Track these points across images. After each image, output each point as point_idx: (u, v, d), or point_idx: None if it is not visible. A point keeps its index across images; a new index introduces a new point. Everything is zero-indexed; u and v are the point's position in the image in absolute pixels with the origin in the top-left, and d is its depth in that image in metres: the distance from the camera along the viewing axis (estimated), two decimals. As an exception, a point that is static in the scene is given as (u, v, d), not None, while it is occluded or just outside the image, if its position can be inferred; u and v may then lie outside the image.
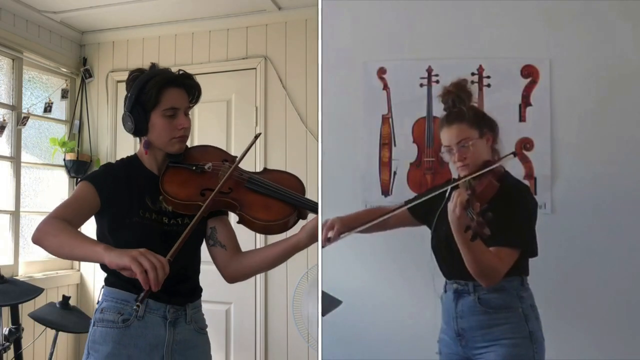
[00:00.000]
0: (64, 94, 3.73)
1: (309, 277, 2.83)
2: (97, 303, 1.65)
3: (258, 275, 3.18)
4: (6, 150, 3.32)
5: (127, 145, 3.38)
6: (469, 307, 1.73)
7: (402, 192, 2.48)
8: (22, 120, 3.35)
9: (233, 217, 1.70)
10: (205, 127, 3.44)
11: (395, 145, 2.55)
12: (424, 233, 1.88)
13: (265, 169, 1.81)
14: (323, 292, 1.94)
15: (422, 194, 1.88)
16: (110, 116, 3.69)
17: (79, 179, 1.63)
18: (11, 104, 3.35)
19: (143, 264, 1.36)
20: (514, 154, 1.79)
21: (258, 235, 2.75)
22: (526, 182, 2.40)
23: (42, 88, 3.66)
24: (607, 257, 2.38)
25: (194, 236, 1.67)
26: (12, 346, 2.61)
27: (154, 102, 1.60)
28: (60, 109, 3.74)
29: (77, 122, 3.72)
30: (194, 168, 1.66)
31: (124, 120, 1.65)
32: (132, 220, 1.58)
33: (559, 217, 2.42)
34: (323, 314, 1.92)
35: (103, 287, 1.64)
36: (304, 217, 1.70)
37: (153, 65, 1.71)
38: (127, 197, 1.60)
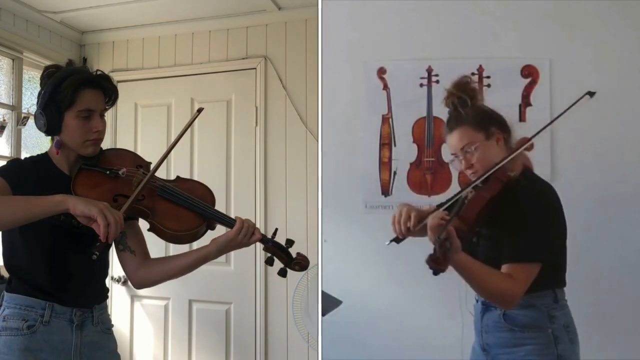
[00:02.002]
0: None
1: (309, 277, 2.83)
2: None
3: (258, 275, 3.18)
4: (6, 150, 3.32)
5: (128, 146, 3.38)
6: (494, 323, 1.61)
7: (402, 192, 2.48)
8: (22, 120, 3.34)
9: (143, 224, 1.68)
10: (205, 127, 3.43)
11: (395, 145, 2.55)
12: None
13: (178, 177, 1.78)
14: (323, 292, 1.94)
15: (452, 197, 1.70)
16: (110, 116, 3.69)
17: None
18: (11, 104, 3.35)
19: (108, 217, 1.39)
20: (528, 145, 1.59)
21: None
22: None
23: (42, 88, 3.66)
24: (607, 256, 2.38)
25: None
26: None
27: (69, 102, 1.55)
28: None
29: (77, 122, 3.72)
30: (107, 172, 1.62)
31: (36, 118, 1.60)
32: (43, 220, 1.46)
33: (559, 217, 2.41)
34: (323, 314, 1.92)
35: (3, 293, 1.59)
36: (213, 228, 1.70)
37: (70, 62, 1.67)
38: (37, 195, 1.49)
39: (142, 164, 1.71)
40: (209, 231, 1.71)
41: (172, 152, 3.66)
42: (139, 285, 1.74)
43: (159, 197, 1.64)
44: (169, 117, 3.50)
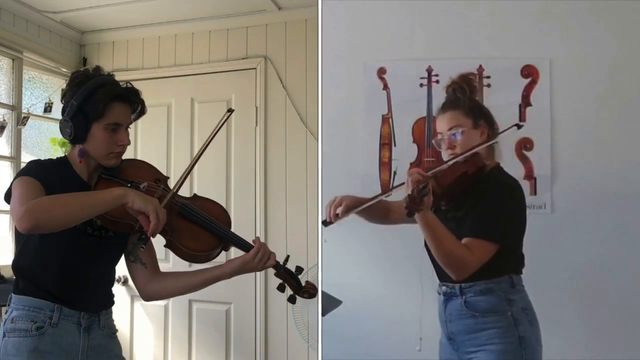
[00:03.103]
0: (64, 94, 3.72)
1: (309, 277, 2.83)
2: (6, 313, 1.59)
3: (258, 276, 3.18)
4: (6, 150, 3.32)
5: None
6: (457, 311, 1.69)
7: (402, 192, 2.48)
8: (22, 120, 3.34)
9: (159, 239, 1.66)
10: (205, 127, 3.43)
11: (395, 145, 2.55)
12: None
13: (195, 195, 1.77)
14: (323, 292, 1.94)
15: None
16: (110, 116, 3.69)
17: (13, 178, 1.56)
18: (11, 104, 3.35)
19: (159, 215, 1.44)
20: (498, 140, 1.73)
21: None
22: (525, 182, 2.40)
23: (42, 88, 3.66)
24: (606, 256, 2.38)
25: (114, 249, 1.68)
26: (12, 346, 2.61)
27: (99, 115, 1.55)
28: (60, 109, 3.73)
29: (77, 122, 3.71)
30: (128, 185, 1.58)
31: (63, 125, 1.59)
32: None
33: (559, 217, 2.42)
34: (323, 314, 1.93)
35: (11, 295, 1.59)
36: (227, 250, 1.71)
37: (97, 69, 1.65)
38: None
39: (160, 179, 1.70)
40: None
41: (172, 152, 3.68)
42: (148, 299, 1.75)
43: (178, 214, 1.64)
44: (169, 117, 3.50)
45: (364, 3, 2.58)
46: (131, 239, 1.70)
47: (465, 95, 1.73)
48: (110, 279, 1.72)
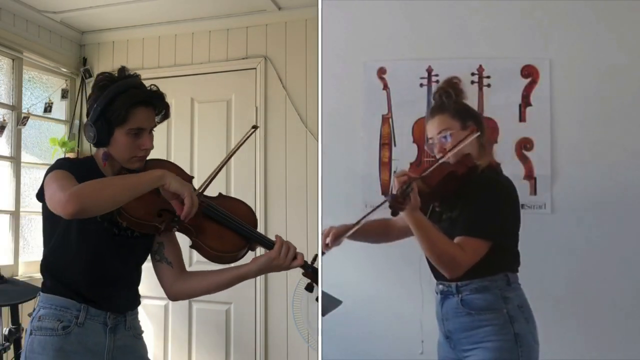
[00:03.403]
0: (64, 94, 3.72)
1: (309, 277, 2.83)
2: (33, 310, 1.60)
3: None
4: (6, 150, 3.32)
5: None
6: (453, 309, 1.70)
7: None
8: (22, 120, 3.34)
9: (184, 239, 1.67)
10: (205, 127, 3.44)
11: (395, 145, 2.55)
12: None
13: (220, 195, 1.76)
14: (323, 292, 1.94)
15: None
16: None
17: (45, 173, 1.56)
18: (11, 104, 3.35)
19: (193, 199, 1.48)
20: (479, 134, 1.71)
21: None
22: (525, 182, 2.40)
23: (42, 88, 3.66)
24: (606, 256, 2.38)
25: (140, 249, 1.68)
26: (12, 346, 2.61)
27: (121, 120, 1.55)
28: (60, 109, 3.73)
29: (77, 122, 3.71)
30: None
31: (86, 129, 1.59)
32: (87, 224, 1.52)
33: (559, 217, 2.42)
34: (323, 314, 1.92)
35: (39, 293, 1.59)
36: (253, 250, 1.71)
37: (122, 70, 1.65)
38: None
39: (185, 179, 1.65)
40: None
41: (172, 152, 3.68)
42: (175, 298, 1.75)
43: (204, 215, 1.63)
44: (169, 117, 3.51)
45: (364, 3, 2.58)
46: (156, 239, 1.70)
47: (450, 99, 1.76)
48: (136, 279, 1.72)
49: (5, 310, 2.68)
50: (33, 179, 3.56)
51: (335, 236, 1.75)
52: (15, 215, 3.31)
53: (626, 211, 2.36)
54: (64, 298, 1.54)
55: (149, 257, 1.73)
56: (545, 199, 2.43)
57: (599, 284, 2.37)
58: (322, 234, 1.78)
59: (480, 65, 2.48)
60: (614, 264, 2.37)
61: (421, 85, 2.52)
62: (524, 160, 2.44)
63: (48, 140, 3.62)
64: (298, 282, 2.87)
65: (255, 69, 3.36)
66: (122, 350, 1.61)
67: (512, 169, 1.85)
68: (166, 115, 1.68)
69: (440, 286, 1.75)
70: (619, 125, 2.41)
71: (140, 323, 1.73)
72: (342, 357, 2.40)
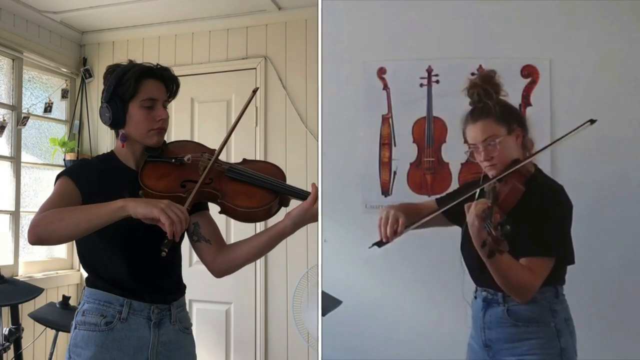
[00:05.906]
0: (64, 94, 3.73)
1: (309, 277, 2.83)
2: (78, 304, 1.61)
3: (258, 275, 3.18)
4: (6, 150, 3.32)
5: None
6: (498, 319, 1.63)
7: (402, 192, 2.48)
8: (22, 120, 3.34)
9: (214, 209, 1.67)
10: (205, 127, 3.44)
11: (395, 145, 2.55)
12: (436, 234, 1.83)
13: (244, 160, 1.75)
14: (323, 292, 1.94)
15: (454, 192, 1.79)
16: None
17: (57, 175, 1.59)
18: (11, 104, 3.35)
19: (171, 215, 1.38)
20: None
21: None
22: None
23: (42, 88, 3.66)
24: (606, 257, 2.38)
25: None
26: (12, 346, 2.61)
27: (132, 93, 1.58)
28: (60, 109, 3.74)
29: (77, 122, 3.72)
30: (173, 160, 1.62)
31: (102, 112, 1.62)
32: None
33: (559, 217, 2.41)
34: (323, 314, 1.92)
35: (84, 288, 1.60)
36: (286, 205, 1.68)
37: (131, 62, 1.69)
38: (105, 192, 1.52)
39: (206, 151, 1.69)
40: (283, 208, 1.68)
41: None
42: (220, 274, 1.71)
43: (228, 177, 1.63)
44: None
45: (364, 3, 2.59)
46: (190, 220, 1.64)
47: (492, 99, 1.65)
48: (176, 264, 1.70)
49: (6, 310, 2.68)
50: (33, 179, 3.57)
51: (404, 226, 1.61)
52: (15, 215, 3.31)
53: (627, 211, 2.36)
54: (107, 293, 1.55)
55: (187, 238, 1.70)
56: (545, 199, 2.43)
57: (599, 284, 2.37)
58: (380, 220, 1.67)
59: (480, 65, 2.47)
60: (614, 264, 2.36)
61: (421, 85, 2.52)
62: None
63: (48, 140, 3.63)
64: (298, 282, 2.88)
65: (255, 69, 3.36)
66: (167, 347, 1.59)
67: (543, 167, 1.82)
68: (176, 88, 1.72)
69: (484, 293, 1.66)
70: (619, 125, 2.41)
71: (189, 315, 1.71)
72: (342, 357, 2.40)
